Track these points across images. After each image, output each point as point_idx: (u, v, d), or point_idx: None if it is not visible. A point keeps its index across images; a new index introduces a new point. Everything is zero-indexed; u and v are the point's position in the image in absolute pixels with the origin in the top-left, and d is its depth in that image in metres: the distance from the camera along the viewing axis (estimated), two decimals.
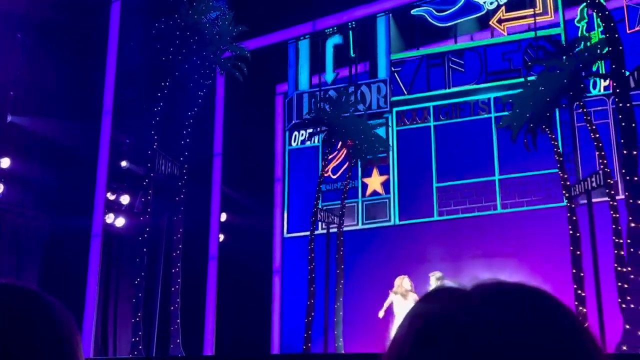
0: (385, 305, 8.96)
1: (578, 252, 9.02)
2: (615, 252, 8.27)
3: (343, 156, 12.37)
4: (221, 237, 12.17)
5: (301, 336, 11.12)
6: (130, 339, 9.76)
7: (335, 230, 11.85)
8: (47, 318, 0.82)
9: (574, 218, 9.27)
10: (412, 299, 8.53)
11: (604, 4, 8.45)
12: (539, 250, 10.33)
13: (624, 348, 7.10)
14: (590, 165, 10.01)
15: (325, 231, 11.85)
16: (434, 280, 8.52)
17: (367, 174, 12.38)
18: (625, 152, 7.75)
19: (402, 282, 8.93)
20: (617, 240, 8.31)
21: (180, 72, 10.60)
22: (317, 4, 12.12)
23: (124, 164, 10.86)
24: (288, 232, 12.81)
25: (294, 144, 13.13)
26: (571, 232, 9.17)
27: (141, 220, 10.12)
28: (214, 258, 11.85)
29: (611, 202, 8.58)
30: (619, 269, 8.09)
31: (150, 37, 10.45)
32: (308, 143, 12.99)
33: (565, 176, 9.61)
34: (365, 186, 12.30)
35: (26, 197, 9.90)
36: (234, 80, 11.70)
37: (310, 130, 12.72)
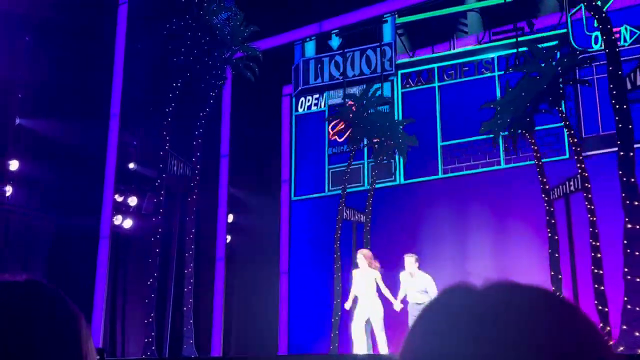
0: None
1: (556, 255, 9.47)
2: (592, 254, 8.60)
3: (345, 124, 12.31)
4: (228, 238, 12.21)
5: (309, 337, 11.12)
6: (141, 340, 9.80)
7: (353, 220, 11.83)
8: (51, 310, 0.83)
9: (553, 221, 9.66)
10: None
11: (600, 5, 8.47)
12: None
13: (621, 349, 7.08)
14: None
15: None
16: (409, 263, 8.33)
17: None
18: (622, 153, 7.78)
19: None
20: (594, 243, 8.64)
21: (191, 73, 10.66)
22: (323, 5, 12.14)
23: (131, 165, 10.92)
24: (296, 196, 12.84)
25: (300, 110, 13.16)
26: (549, 235, 9.57)
27: (152, 221, 10.16)
28: (222, 259, 11.88)
29: (588, 206, 8.92)
30: (596, 271, 8.47)
31: (160, 38, 10.50)
32: (314, 108, 13.01)
33: (545, 180, 9.93)
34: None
35: (34, 199, 9.96)
36: (240, 81, 11.74)
37: (317, 95, 12.78)
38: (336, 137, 12.57)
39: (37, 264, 9.76)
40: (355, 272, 8.39)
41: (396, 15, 12.34)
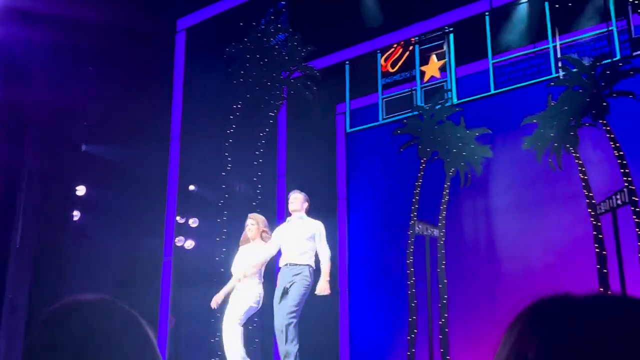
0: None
1: (605, 270, 9.28)
2: None
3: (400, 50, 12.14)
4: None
5: (372, 355, 11.05)
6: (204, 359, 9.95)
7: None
8: (123, 325, 0.90)
9: (600, 236, 9.48)
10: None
11: None
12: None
13: None
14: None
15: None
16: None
17: (424, 62, 12.15)
18: None
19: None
20: None
21: (250, 94, 10.90)
22: (378, 24, 12.14)
23: (192, 187, 11.19)
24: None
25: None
26: (597, 250, 9.38)
27: (216, 242, 10.34)
28: None
29: (636, 219, 8.78)
30: None
31: (219, 62, 10.79)
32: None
33: (591, 194, 9.62)
34: (422, 74, 12.07)
35: (100, 222, 10.30)
36: (294, 100, 11.89)
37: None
38: (389, 67, 12.31)
39: (105, 284, 10.07)
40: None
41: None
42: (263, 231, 6.59)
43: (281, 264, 6.30)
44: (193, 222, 11.05)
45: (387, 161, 12.57)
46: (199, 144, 10.92)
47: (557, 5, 10.70)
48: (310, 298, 11.88)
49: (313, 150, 12.43)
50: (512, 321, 0.65)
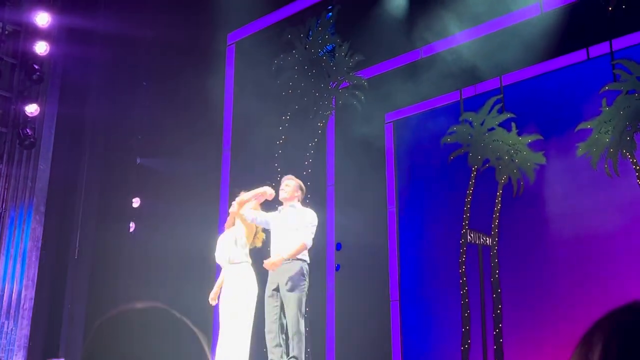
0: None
1: None
2: None
3: None
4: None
5: None
6: None
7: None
8: (174, 330, 0.94)
9: None
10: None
11: None
12: None
13: None
14: None
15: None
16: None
17: None
18: None
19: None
20: None
21: (299, 105, 11.00)
22: (426, 32, 12.07)
23: None
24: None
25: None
26: None
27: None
28: (332, 288, 11.97)
29: None
30: None
31: (268, 74, 10.92)
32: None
33: None
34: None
35: (155, 232, 10.53)
36: (343, 110, 11.92)
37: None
38: None
39: (160, 293, 10.27)
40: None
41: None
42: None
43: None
44: None
45: (438, 170, 12.46)
46: (250, 155, 11.06)
47: (610, 8, 10.46)
48: (361, 310, 11.88)
49: (362, 160, 12.42)
50: (586, 332, 0.65)
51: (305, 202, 11.06)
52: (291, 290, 5.32)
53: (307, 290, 5.49)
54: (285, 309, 5.37)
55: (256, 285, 5.44)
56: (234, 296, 5.32)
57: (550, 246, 10.88)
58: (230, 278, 5.44)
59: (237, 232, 5.54)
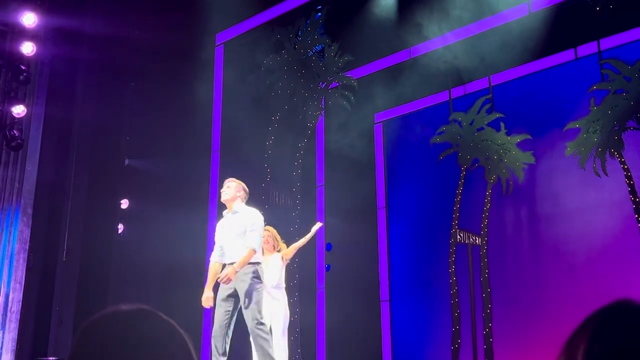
0: None
1: None
2: None
3: None
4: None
5: None
6: None
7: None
8: (162, 333, 0.92)
9: None
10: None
11: None
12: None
13: None
14: None
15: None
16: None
17: None
18: None
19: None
20: None
21: (289, 106, 10.97)
22: (415, 33, 12.07)
23: None
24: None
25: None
26: None
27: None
28: (322, 288, 11.97)
29: None
30: None
31: (257, 74, 10.89)
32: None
33: (637, 200, 9.43)
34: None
35: (143, 234, 10.47)
36: (332, 110, 11.92)
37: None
38: None
39: (149, 295, 10.22)
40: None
41: None
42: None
43: (223, 261, 5.68)
44: None
45: (427, 170, 12.47)
46: (239, 156, 11.03)
47: (597, 8, 10.51)
48: (352, 310, 11.87)
49: (352, 161, 12.41)
50: (574, 331, 0.64)
51: (295, 202, 11.12)
52: (249, 296, 5.36)
53: (262, 289, 5.58)
54: (245, 315, 5.42)
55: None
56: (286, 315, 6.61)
57: (539, 245, 10.93)
58: (279, 299, 6.61)
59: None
